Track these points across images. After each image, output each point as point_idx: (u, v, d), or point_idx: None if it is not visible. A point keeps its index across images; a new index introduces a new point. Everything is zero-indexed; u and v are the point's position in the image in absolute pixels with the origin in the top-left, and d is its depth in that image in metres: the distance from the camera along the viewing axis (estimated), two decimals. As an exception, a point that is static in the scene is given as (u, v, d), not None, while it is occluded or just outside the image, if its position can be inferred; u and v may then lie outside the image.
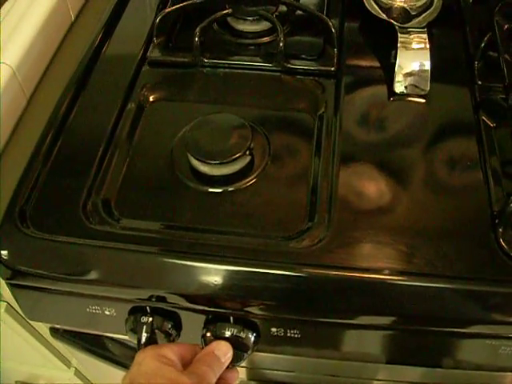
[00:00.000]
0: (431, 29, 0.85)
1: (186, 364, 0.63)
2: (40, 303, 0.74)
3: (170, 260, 0.66)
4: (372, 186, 0.73)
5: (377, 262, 0.65)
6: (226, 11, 0.89)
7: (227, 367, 0.66)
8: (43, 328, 0.90)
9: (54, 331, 0.84)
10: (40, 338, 0.94)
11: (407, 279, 0.64)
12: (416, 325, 0.66)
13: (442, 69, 0.82)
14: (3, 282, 0.71)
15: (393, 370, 0.83)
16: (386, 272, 0.64)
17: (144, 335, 0.68)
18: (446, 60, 0.85)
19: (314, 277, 0.64)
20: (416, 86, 0.80)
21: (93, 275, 0.67)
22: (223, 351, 0.65)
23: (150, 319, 0.68)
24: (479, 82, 0.83)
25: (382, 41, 0.87)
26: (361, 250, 0.66)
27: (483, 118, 0.79)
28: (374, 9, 0.89)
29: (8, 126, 0.82)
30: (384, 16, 0.87)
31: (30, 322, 0.89)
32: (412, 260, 0.65)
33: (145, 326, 0.68)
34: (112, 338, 0.85)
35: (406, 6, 0.90)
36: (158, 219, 0.71)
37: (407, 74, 0.80)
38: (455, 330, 0.66)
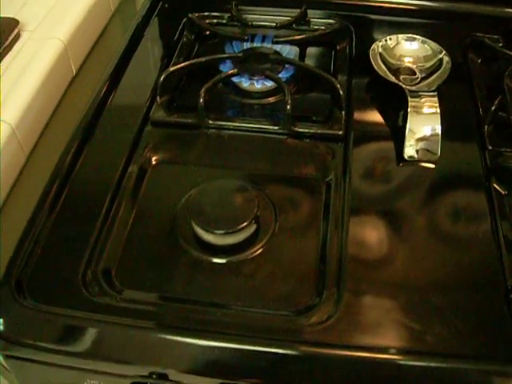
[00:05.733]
0: (440, 90, 0.84)
1: None
2: (36, 375, 0.71)
3: (172, 336, 0.63)
4: (383, 252, 0.70)
5: (388, 340, 0.62)
6: (232, 71, 0.87)
7: None
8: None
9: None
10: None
11: (417, 359, 0.62)
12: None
13: (451, 133, 0.80)
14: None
15: None
16: (397, 351, 0.62)
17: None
18: (456, 123, 0.84)
19: (325, 356, 0.62)
20: (427, 151, 0.78)
21: (91, 350, 0.64)
22: None
23: (151, 396, 0.65)
24: (490, 147, 0.81)
25: (390, 101, 0.86)
26: (371, 328, 0.63)
27: (494, 185, 0.77)
28: (382, 70, 0.88)
29: (6, 186, 0.80)
30: (392, 78, 0.86)
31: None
32: (424, 338, 0.62)
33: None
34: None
35: (414, 67, 0.89)
36: (160, 290, 0.68)
37: (419, 138, 0.78)
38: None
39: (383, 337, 0.63)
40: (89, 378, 0.68)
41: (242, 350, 0.62)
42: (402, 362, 0.62)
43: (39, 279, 0.68)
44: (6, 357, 0.69)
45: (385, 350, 0.62)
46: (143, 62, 0.98)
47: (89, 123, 0.84)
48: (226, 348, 0.62)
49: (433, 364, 0.61)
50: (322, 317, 0.64)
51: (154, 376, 0.64)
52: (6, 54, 0.92)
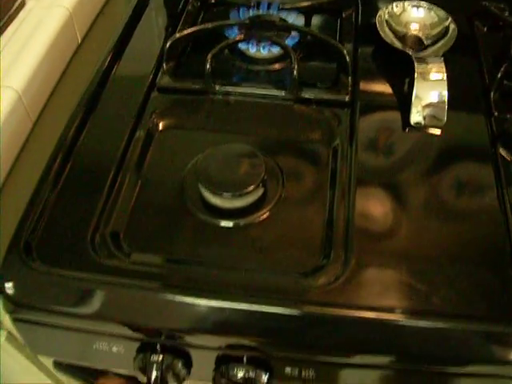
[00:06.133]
0: (445, 57, 0.83)
1: None
2: (44, 338, 0.72)
3: (180, 297, 0.64)
4: (390, 217, 0.70)
5: (395, 301, 0.63)
6: (239, 37, 0.87)
7: None
8: (46, 358, 0.88)
9: (58, 364, 0.82)
10: (42, 368, 0.92)
11: (424, 319, 0.62)
12: (433, 366, 0.64)
13: (457, 99, 0.80)
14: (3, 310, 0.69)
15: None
16: (403, 311, 0.62)
17: (154, 374, 0.65)
18: (462, 90, 0.83)
19: (333, 317, 0.62)
20: (434, 117, 0.78)
21: (100, 312, 0.64)
22: None
23: (161, 357, 0.66)
24: (496, 114, 0.81)
25: (396, 67, 0.86)
26: (379, 289, 0.64)
27: (500, 151, 0.77)
28: (388, 37, 0.88)
29: (13, 151, 0.80)
30: (398, 45, 0.86)
31: (33, 353, 0.86)
32: (430, 299, 0.63)
33: (155, 365, 0.65)
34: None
35: (420, 34, 0.88)
36: (168, 253, 0.68)
37: (425, 105, 0.78)
38: (471, 371, 0.64)
39: (390, 298, 0.63)
40: (98, 340, 0.68)
41: (250, 310, 0.63)
42: (408, 323, 0.62)
43: (48, 242, 0.68)
44: (15, 320, 0.69)
45: (391, 310, 0.62)
46: (148, 29, 0.97)
47: (95, 90, 0.84)
48: (233, 309, 0.63)
49: (438, 324, 0.62)
50: (330, 278, 0.64)
51: (162, 337, 0.65)
52: (11, 21, 0.92)
